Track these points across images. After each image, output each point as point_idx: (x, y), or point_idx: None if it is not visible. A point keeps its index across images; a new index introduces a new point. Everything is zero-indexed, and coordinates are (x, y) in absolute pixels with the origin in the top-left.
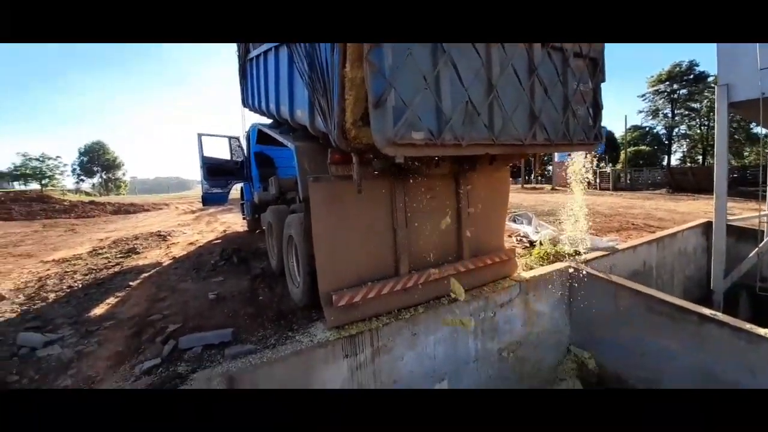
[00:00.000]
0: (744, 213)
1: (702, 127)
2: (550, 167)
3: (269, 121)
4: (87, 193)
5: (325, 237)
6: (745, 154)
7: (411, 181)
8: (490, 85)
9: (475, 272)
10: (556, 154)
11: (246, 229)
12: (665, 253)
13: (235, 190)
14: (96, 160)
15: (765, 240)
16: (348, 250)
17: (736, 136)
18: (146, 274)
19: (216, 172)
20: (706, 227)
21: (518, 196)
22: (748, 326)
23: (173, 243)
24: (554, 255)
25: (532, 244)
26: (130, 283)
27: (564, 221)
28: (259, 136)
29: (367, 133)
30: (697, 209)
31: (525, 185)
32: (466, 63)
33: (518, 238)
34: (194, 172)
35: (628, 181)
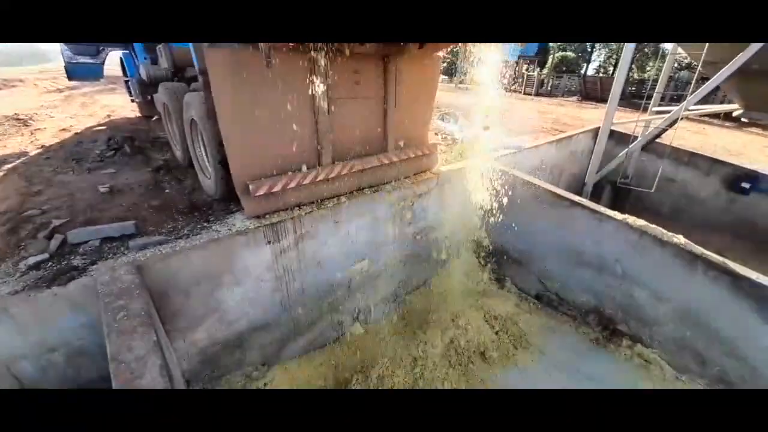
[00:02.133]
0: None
1: None
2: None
3: None
4: None
5: (232, 118)
6: (647, 68)
7: (333, 59)
8: None
9: (398, 164)
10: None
11: (139, 114)
12: (560, 153)
13: (114, 65)
14: None
15: (632, 144)
16: (263, 135)
17: (645, 50)
18: (9, 166)
19: None
20: (596, 132)
21: (450, 96)
22: (601, 209)
23: (38, 129)
24: (472, 151)
25: (454, 141)
26: None
27: (486, 123)
28: None
29: None
30: (597, 116)
31: (459, 85)
32: None
33: (443, 136)
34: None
35: (549, 88)
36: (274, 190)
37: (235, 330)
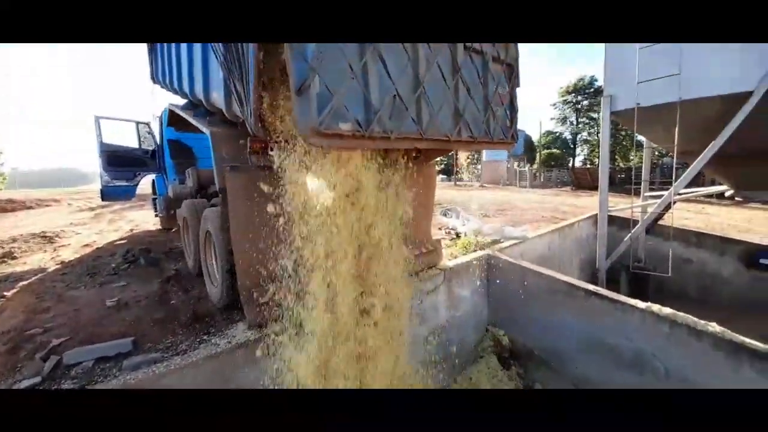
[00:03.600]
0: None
1: (599, 134)
2: (480, 166)
3: (183, 101)
4: None
5: (244, 231)
6: (631, 157)
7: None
8: (417, 81)
9: None
10: (484, 153)
11: (159, 227)
12: (566, 240)
13: (144, 185)
14: None
15: (635, 228)
16: (269, 245)
17: (624, 143)
18: (25, 282)
19: (120, 161)
20: (595, 219)
21: (449, 193)
22: (622, 298)
23: (62, 245)
24: (476, 245)
25: (458, 235)
26: (4, 294)
27: (486, 215)
28: (172, 118)
29: (287, 121)
30: (592, 203)
31: (457, 183)
32: (393, 57)
33: (447, 230)
34: (96, 164)
35: (542, 180)
36: (277, 297)
37: None
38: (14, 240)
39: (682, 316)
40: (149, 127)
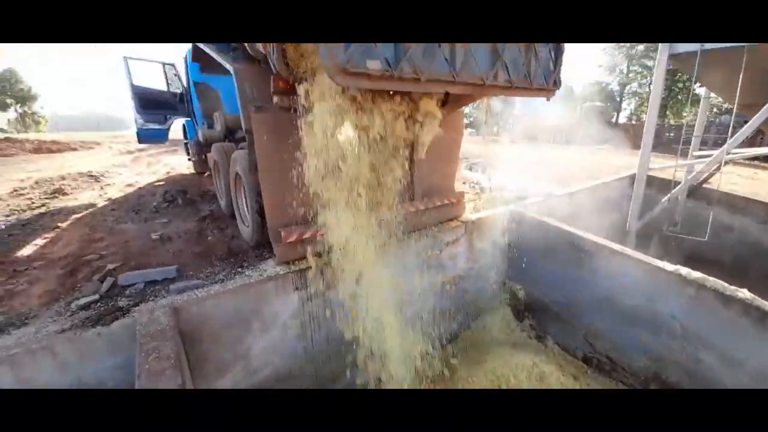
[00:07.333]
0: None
1: (650, 86)
2: (511, 120)
3: None
4: (2, 130)
5: (271, 172)
6: (684, 114)
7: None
8: None
9: (425, 213)
10: (517, 104)
11: (192, 171)
12: (596, 200)
13: (177, 130)
14: (8, 90)
15: (677, 187)
16: (297, 186)
17: (679, 97)
18: (77, 216)
19: (151, 104)
20: (632, 178)
21: (478, 147)
22: (648, 259)
23: (108, 184)
24: (500, 200)
25: (482, 190)
26: (59, 225)
27: (515, 171)
28: (195, 54)
29: (311, 58)
30: (631, 163)
31: (486, 136)
32: None
33: (471, 184)
34: (129, 109)
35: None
36: (305, 236)
37: (259, 379)
38: (63, 178)
39: (712, 280)
40: (175, 68)
